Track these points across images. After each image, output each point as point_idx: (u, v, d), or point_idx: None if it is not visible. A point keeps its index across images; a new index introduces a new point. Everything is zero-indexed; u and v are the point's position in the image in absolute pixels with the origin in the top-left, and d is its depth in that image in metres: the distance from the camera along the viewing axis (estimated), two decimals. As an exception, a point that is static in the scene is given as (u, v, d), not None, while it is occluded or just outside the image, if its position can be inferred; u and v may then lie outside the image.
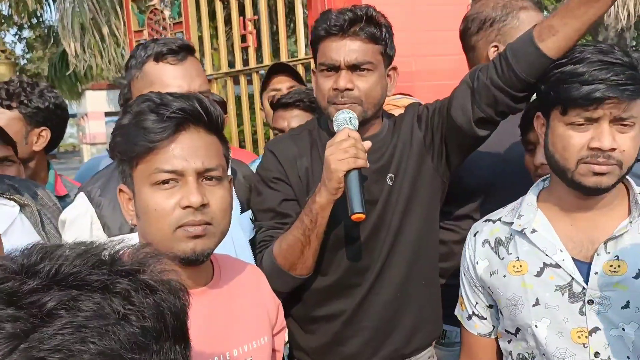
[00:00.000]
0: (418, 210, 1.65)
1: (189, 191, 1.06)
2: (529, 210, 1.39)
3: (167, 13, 3.78)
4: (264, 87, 2.44)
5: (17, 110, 2.07)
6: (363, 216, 1.43)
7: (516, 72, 1.45)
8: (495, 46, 1.91)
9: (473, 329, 1.49)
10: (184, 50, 1.54)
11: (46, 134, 2.11)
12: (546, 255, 1.34)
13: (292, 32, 6.19)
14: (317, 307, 1.66)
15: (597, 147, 1.25)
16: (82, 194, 1.56)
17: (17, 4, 8.04)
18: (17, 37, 16.81)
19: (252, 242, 1.68)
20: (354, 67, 1.55)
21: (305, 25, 3.42)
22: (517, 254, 1.38)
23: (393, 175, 1.62)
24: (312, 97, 2.16)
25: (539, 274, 1.34)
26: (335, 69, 1.56)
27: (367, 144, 1.48)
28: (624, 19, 7.70)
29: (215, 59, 5.05)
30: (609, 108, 1.24)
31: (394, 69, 1.65)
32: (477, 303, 1.47)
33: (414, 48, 2.96)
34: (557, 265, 1.32)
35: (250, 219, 1.71)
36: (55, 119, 2.13)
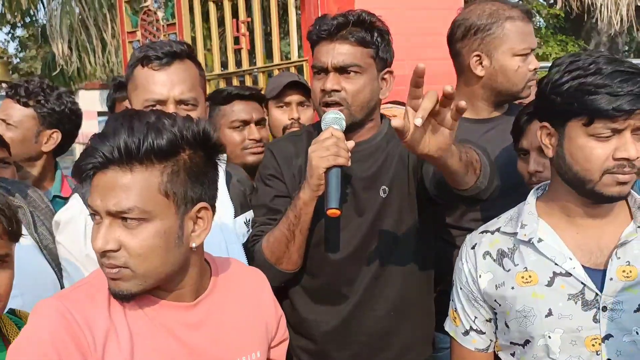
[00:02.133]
0: (413, 225, 1.66)
1: (96, 236, 1.04)
2: (531, 220, 1.38)
3: (160, 14, 3.77)
4: (275, 96, 2.42)
5: (32, 108, 2.12)
6: (338, 212, 1.44)
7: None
8: (478, 55, 1.90)
9: (470, 344, 1.47)
10: (169, 56, 1.51)
11: (57, 136, 2.15)
12: (555, 264, 1.33)
13: (285, 34, 6.19)
14: (306, 310, 1.68)
15: (624, 157, 1.26)
16: (76, 195, 1.56)
17: (10, 2, 7.99)
18: (10, 35, 16.73)
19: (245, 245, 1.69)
20: (342, 70, 1.59)
21: (299, 27, 3.42)
22: (524, 264, 1.36)
23: (387, 189, 1.63)
24: (259, 89, 2.25)
25: (549, 284, 1.33)
26: (324, 71, 1.60)
27: (351, 144, 1.51)
28: (617, 24, 7.73)
29: (209, 60, 5.04)
30: (635, 119, 1.24)
31: (390, 72, 1.67)
32: (476, 318, 1.45)
33: (407, 52, 2.95)
34: (568, 274, 1.32)
35: (245, 223, 1.72)
36: (68, 124, 2.18)
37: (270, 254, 1.59)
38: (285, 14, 5.56)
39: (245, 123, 2.19)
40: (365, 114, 1.64)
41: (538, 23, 9.37)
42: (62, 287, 1.54)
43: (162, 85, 1.51)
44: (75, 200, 1.55)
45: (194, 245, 1.10)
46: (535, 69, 1.92)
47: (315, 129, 1.74)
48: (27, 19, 12.21)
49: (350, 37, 1.58)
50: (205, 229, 1.11)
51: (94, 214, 1.05)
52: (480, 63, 1.90)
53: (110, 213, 1.03)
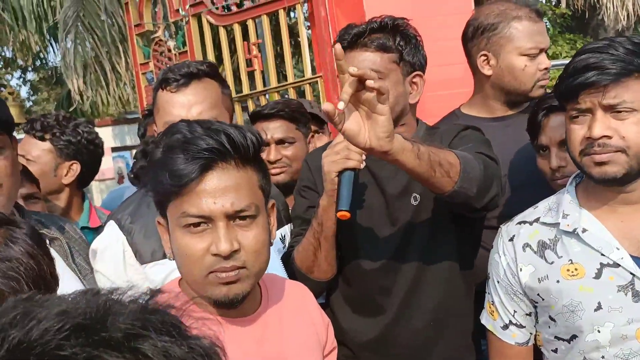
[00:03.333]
0: (448, 232, 1.62)
1: (218, 238, 1.01)
2: (573, 209, 1.34)
3: (171, 43, 3.80)
4: None
5: (49, 142, 2.14)
6: (348, 214, 1.42)
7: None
8: (484, 55, 1.90)
9: (510, 338, 1.43)
10: (186, 77, 1.52)
11: (76, 167, 2.15)
12: (602, 255, 1.29)
13: (296, 53, 6.24)
14: (345, 319, 1.66)
15: (587, 136, 1.26)
16: (111, 222, 1.55)
17: (21, 45, 8.15)
18: (21, 80, 17.05)
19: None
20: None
21: (310, 44, 3.42)
22: (569, 257, 1.32)
23: (418, 196, 1.60)
24: (292, 107, 2.20)
25: (597, 276, 1.29)
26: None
27: None
28: (623, 19, 7.69)
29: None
30: (594, 96, 1.23)
31: (420, 76, 1.65)
32: (515, 312, 1.41)
33: (421, 59, 2.95)
34: (616, 265, 1.28)
35: (280, 239, 1.72)
36: (87, 154, 2.18)
37: (300, 263, 1.60)
38: (292, 34, 5.60)
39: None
40: (396, 119, 1.61)
41: (545, 24, 9.36)
42: None
43: (181, 106, 1.51)
44: (112, 227, 1.54)
45: (272, 240, 1.13)
46: (546, 68, 1.90)
47: None
48: (38, 63, 12.46)
49: (370, 44, 1.58)
50: (274, 225, 1.13)
51: (199, 222, 1.02)
52: (488, 62, 1.91)
53: (227, 214, 1.02)
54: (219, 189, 1.02)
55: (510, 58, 1.88)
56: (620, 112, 1.24)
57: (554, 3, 9.28)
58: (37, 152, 2.13)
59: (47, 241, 1.57)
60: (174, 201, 1.03)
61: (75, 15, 6.17)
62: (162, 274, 1.47)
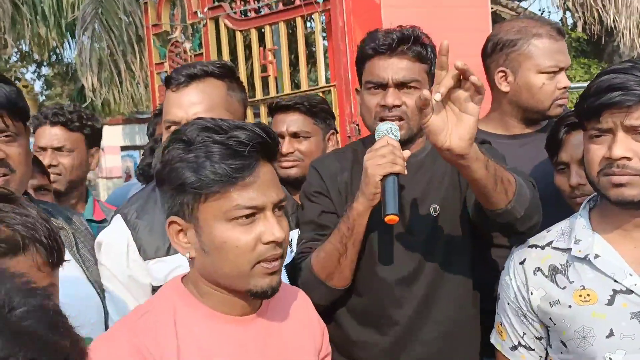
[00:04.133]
0: (465, 247, 1.62)
1: (272, 226, 1.05)
2: (585, 234, 1.32)
3: (188, 45, 3.82)
4: None
5: (78, 132, 2.16)
6: (397, 218, 1.42)
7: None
8: (503, 71, 1.90)
9: (519, 359, 1.41)
10: (187, 77, 1.51)
11: (97, 153, 2.19)
12: (615, 281, 1.27)
13: (310, 61, 6.27)
14: (353, 332, 1.64)
15: (607, 156, 1.24)
16: (118, 216, 1.55)
17: (39, 39, 8.22)
18: (35, 74, 17.17)
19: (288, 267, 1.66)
20: (401, 85, 1.59)
21: (325, 54, 3.43)
22: (581, 282, 1.30)
23: (438, 208, 1.59)
24: (312, 102, 2.16)
25: (610, 303, 1.27)
26: (382, 86, 1.60)
27: (407, 153, 1.50)
28: (638, 47, 7.68)
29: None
30: (617, 117, 1.22)
31: None
32: (525, 334, 1.39)
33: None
34: (629, 291, 1.26)
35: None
36: (100, 139, 2.22)
37: (320, 269, 1.55)
38: (308, 42, 5.62)
39: (279, 136, 2.17)
40: (420, 128, 1.63)
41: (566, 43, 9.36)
42: (105, 309, 1.52)
43: (178, 107, 1.51)
44: (118, 221, 1.55)
45: None
46: (565, 87, 1.89)
47: (365, 144, 1.72)
48: (54, 58, 12.56)
49: (409, 52, 1.59)
50: None
51: (252, 213, 1.06)
52: (505, 79, 1.90)
53: (274, 204, 1.08)
54: (266, 180, 1.06)
55: (528, 75, 1.88)
56: None
57: (570, 27, 9.28)
58: (73, 142, 2.15)
59: None
60: (220, 195, 1.04)
61: (94, 13, 6.24)
62: (165, 271, 1.47)
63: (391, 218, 1.42)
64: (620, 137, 1.24)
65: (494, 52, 1.93)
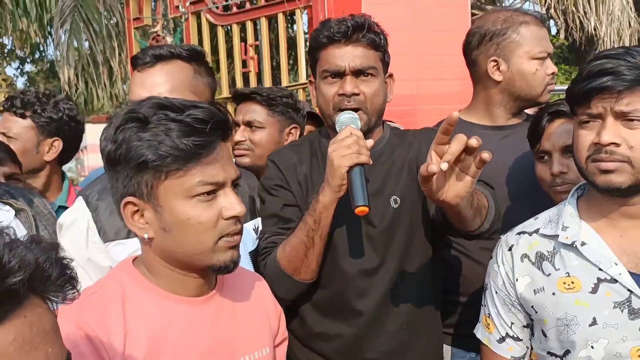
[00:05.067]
0: (425, 237, 1.62)
1: (233, 201, 1.06)
2: (573, 222, 1.31)
3: (169, 40, 3.80)
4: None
5: (30, 119, 2.12)
6: (367, 209, 1.41)
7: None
8: (495, 60, 1.90)
9: (506, 352, 1.40)
10: (153, 57, 1.50)
11: (58, 144, 2.14)
12: (600, 269, 1.26)
13: (293, 59, 6.25)
14: (316, 324, 1.63)
15: (596, 142, 1.23)
16: (80, 198, 1.53)
17: (21, 35, 8.12)
18: (18, 71, 16.98)
19: (252, 254, 1.65)
20: (358, 73, 1.57)
21: (307, 50, 3.42)
22: (566, 269, 1.29)
23: (398, 199, 1.59)
24: (273, 93, 2.17)
25: (594, 291, 1.26)
26: (339, 75, 1.57)
27: (370, 142, 1.49)
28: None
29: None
30: (607, 102, 1.21)
31: (391, 76, 1.67)
32: (512, 323, 1.38)
33: (416, 72, 2.97)
34: (613, 280, 1.25)
35: (254, 229, 1.68)
36: (69, 131, 2.16)
37: (287, 263, 1.53)
38: (293, 44, 5.61)
39: (235, 124, 2.16)
40: (378, 118, 1.64)
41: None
42: None
43: (142, 86, 1.50)
44: (79, 203, 1.53)
45: None
46: (553, 73, 1.92)
47: (322, 135, 1.71)
48: (37, 55, 12.43)
49: (363, 40, 1.57)
50: None
51: (213, 189, 1.06)
52: (498, 68, 1.90)
53: (233, 180, 1.09)
54: (225, 157, 1.08)
55: (522, 62, 1.89)
56: (631, 120, 1.21)
57: (553, 33, 9.40)
58: (18, 129, 2.11)
59: (13, 212, 1.56)
60: (181, 173, 1.03)
61: (74, 5, 6.16)
62: (124, 253, 1.45)
63: (361, 209, 1.41)
64: (610, 123, 1.22)
65: (481, 43, 1.94)
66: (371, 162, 1.47)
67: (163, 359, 1.05)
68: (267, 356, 1.20)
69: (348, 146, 1.44)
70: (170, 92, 1.46)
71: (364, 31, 1.57)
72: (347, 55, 1.56)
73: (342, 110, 1.57)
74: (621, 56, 1.23)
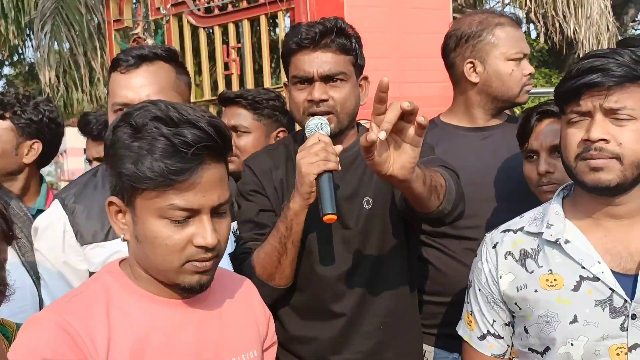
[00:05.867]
0: (399, 237, 1.63)
1: (205, 230, 1.03)
2: (557, 220, 1.32)
3: (150, 42, 3.77)
4: None
5: (9, 120, 2.07)
6: (335, 217, 1.41)
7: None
8: (471, 62, 1.92)
9: (487, 350, 1.40)
10: (137, 58, 1.49)
11: (38, 146, 2.10)
12: (582, 267, 1.27)
13: (276, 62, 6.25)
14: (294, 327, 1.63)
15: (585, 138, 1.23)
16: (56, 201, 1.52)
17: None
18: (-4, 73, 16.73)
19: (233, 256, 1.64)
20: (328, 78, 1.57)
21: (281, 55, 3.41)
22: (549, 267, 1.30)
23: (371, 200, 1.59)
24: (259, 96, 2.14)
25: (576, 289, 1.27)
26: (308, 81, 1.58)
27: (338, 148, 1.48)
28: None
29: (197, 94, 5.04)
30: (596, 99, 1.22)
31: (365, 78, 1.67)
32: (494, 321, 1.39)
33: (398, 75, 2.97)
34: (596, 279, 1.26)
35: (233, 232, 1.68)
36: (49, 133, 2.13)
37: (261, 270, 1.53)
38: (276, 47, 5.60)
39: None
40: (350, 121, 1.64)
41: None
42: (39, 296, 1.48)
43: (128, 88, 1.49)
44: (55, 206, 1.51)
45: None
46: (530, 73, 1.94)
47: (296, 139, 1.71)
48: (15, 58, 12.26)
49: (332, 45, 1.57)
50: None
51: (185, 216, 1.03)
52: (474, 70, 1.92)
53: (213, 208, 1.04)
54: (208, 183, 1.03)
55: (497, 63, 1.91)
56: (620, 118, 1.23)
57: (533, 38, 9.50)
58: None
59: None
60: (156, 191, 1.02)
61: (54, 7, 6.09)
62: (102, 256, 1.44)
63: (329, 217, 1.42)
64: (599, 120, 1.23)
65: (458, 45, 1.96)
66: (339, 168, 1.47)
67: None
68: (255, 359, 1.19)
69: (316, 153, 1.44)
70: (157, 93, 1.47)
71: (332, 36, 1.57)
72: (316, 62, 1.56)
73: (312, 115, 1.57)
74: (610, 55, 1.25)
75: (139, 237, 1.06)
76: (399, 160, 1.19)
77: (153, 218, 1.03)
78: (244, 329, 1.21)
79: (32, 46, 8.84)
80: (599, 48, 7.48)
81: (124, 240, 1.10)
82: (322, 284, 1.61)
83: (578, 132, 1.26)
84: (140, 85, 1.48)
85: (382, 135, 1.12)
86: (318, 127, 1.53)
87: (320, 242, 1.61)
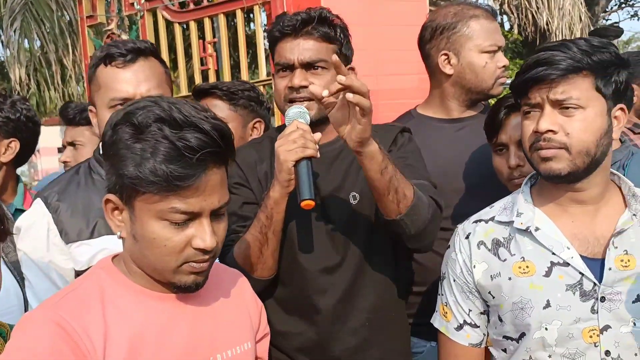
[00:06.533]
0: (386, 235, 1.62)
1: (204, 233, 1.03)
2: (527, 208, 1.36)
3: (124, 37, 3.71)
4: None
5: None
6: (312, 203, 1.41)
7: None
8: (445, 54, 1.94)
9: (464, 339, 1.42)
10: (133, 53, 1.48)
11: (15, 145, 2.08)
12: (553, 253, 1.30)
13: (252, 56, 6.21)
14: (279, 322, 1.61)
15: (534, 130, 1.28)
16: (38, 199, 1.49)
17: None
18: (-35, 72, 16.33)
19: None
20: (309, 66, 1.58)
21: (266, 47, 3.40)
22: (521, 254, 1.33)
23: (357, 195, 1.59)
24: (233, 87, 2.13)
25: (547, 274, 1.30)
26: (290, 68, 1.59)
27: (317, 136, 1.49)
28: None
29: (175, 90, 4.99)
30: (543, 91, 1.26)
31: (352, 69, 1.67)
32: (470, 311, 1.41)
33: (376, 67, 2.97)
34: (566, 264, 1.29)
35: None
36: (26, 131, 2.11)
37: (243, 261, 1.53)
38: (252, 41, 5.57)
39: None
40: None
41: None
42: (24, 296, 1.45)
43: (128, 83, 1.47)
44: (38, 205, 1.49)
45: None
46: (504, 66, 1.95)
47: (278, 132, 1.70)
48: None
49: (315, 33, 1.58)
50: None
51: (185, 218, 1.03)
52: (449, 62, 1.94)
53: (213, 211, 1.04)
54: (209, 186, 1.03)
55: (471, 56, 1.92)
56: (567, 108, 1.26)
57: (507, 30, 9.60)
58: None
59: None
60: (158, 195, 1.01)
61: (24, 3, 5.97)
62: (88, 254, 1.42)
63: (307, 203, 1.42)
64: (547, 111, 1.27)
65: (433, 37, 1.97)
66: (318, 155, 1.48)
67: (144, 355, 1.05)
68: (249, 351, 1.20)
69: (294, 140, 1.45)
70: (157, 88, 1.47)
71: (314, 24, 1.57)
72: (297, 49, 1.57)
73: (292, 101, 1.58)
74: (556, 47, 1.28)
75: (136, 236, 1.06)
76: (351, 132, 1.36)
77: (152, 219, 1.03)
78: (238, 322, 1.21)
79: (2, 43, 8.66)
80: (572, 37, 7.59)
81: (120, 237, 1.10)
82: (306, 278, 1.60)
83: (531, 124, 1.31)
84: (140, 80, 1.47)
85: (325, 92, 1.32)
86: (297, 116, 1.53)
87: (305, 235, 1.60)
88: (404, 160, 1.60)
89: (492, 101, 2.24)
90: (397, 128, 1.72)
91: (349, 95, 1.24)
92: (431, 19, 2.00)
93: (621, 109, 1.31)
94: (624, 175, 1.42)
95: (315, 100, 1.56)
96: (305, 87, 1.57)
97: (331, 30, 1.60)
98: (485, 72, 1.93)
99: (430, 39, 1.97)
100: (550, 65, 1.25)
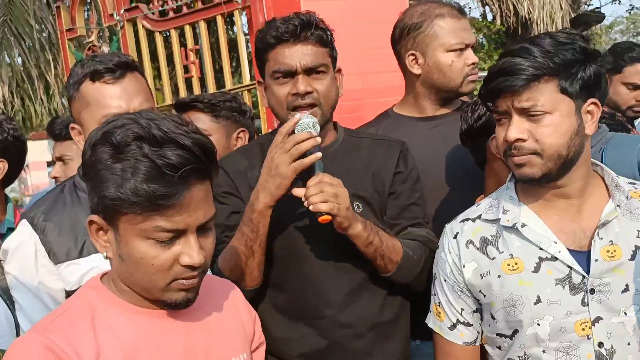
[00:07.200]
0: None
1: (191, 249, 1.01)
2: (512, 205, 1.36)
3: (106, 49, 3.69)
4: None
5: None
6: (330, 217, 1.43)
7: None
8: (412, 54, 1.94)
9: (458, 338, 1.42)
10: (121, 68, 1.47)
11: (3, 165, 2.07)
12: (540, 249, 1.30)
13: (236, 61, 6.20)
14: (279, 329, 1.60)
15: (504, 139, 1.28)
16: (24, 220, 1.47)
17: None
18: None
19: None
20: (310, 71, 1.57)
21: (249, 51, 3.39)
22: (509, 252, 1.33)
23: (360, 204, 1.59)
24: (215, 99, 2.12)
25: (536, 270, 1.30)
26: (291, 74, 1.56)
27: (317, 140, 1.51)
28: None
29: (159, 99, 4.96)
30: (509, 100, 1.26)
31: (339, 70, 1.68)
32: (463, 310, 1.41)
33: (360, 66, 2.97)
34: (554, 258, 1.29)
35: None
36: (14, 151, 2.09)
37: (229, 273, 1.51)
38: (235, 46, 5.55)
39: None
40: (331, 114, 1.64)
41: (480, 40, 9.70)
42: (15, 320, 1.43)
43: (120, 98, 1.46)
44: (24, 226, 1.46)
45: None
46: (473, 63, 1.94)
47: (269, 140, 1.66)
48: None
49: (312, 38, 1.57)
50: None
51: (171, 236, 1.01)
52: (416, 61, 1.94)
53: (199, 226, 1.03)
54: (194, 202, 1.01)
55: (437, 55, 1.92)
56: (534, 114, 1.26)
57: (490, 20, 9.62)
58: None
59: None
60: (141, 215, 0.99)
61: (2, 20, 5.92)
62: (78, 274, 1.40)
63: (325, 218, 1.44)
64: (515, 120, 1.27)
65: (401, 37, 1.97)
66: (320, 155, 1.48)
67: None
68: None
69: (287, 150, 1.48)
70: (146, 102, 1.48)
71: (311, 29, 1.56)
72: (297, 54, 1.55)
73: (296, 108, 1.56)
74: (518, 52, 1.27)
75: (123, 256, 1.04)
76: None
77: (138, 239, 1.01)
78: (232, 333, 1.20)
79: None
80: (553, 28, 7.63)
81: (106, 258, 1.08)
82: (307, 284, 1.59)
83: (502, 130, 1.31)
84: (132, 95, 1.46)
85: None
86: (310, 127, 1.51)
87: (306, 240, 1.59)
88: (407, 199, 1.66)
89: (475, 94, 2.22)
90: (398, 144, 1.71)
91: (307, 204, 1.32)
92: (400, 18, 2.01)
93: (593, 103, 1.29)
94: (602, 161, 1.42)
95: (319, 106, 1.57)
96: (310, 92, 1.56)
97: (324, 33, 1.59)
98: (452, 71, 1.92)
99: (399, 39, 1.98)
100: (512, 75, 1.24)
